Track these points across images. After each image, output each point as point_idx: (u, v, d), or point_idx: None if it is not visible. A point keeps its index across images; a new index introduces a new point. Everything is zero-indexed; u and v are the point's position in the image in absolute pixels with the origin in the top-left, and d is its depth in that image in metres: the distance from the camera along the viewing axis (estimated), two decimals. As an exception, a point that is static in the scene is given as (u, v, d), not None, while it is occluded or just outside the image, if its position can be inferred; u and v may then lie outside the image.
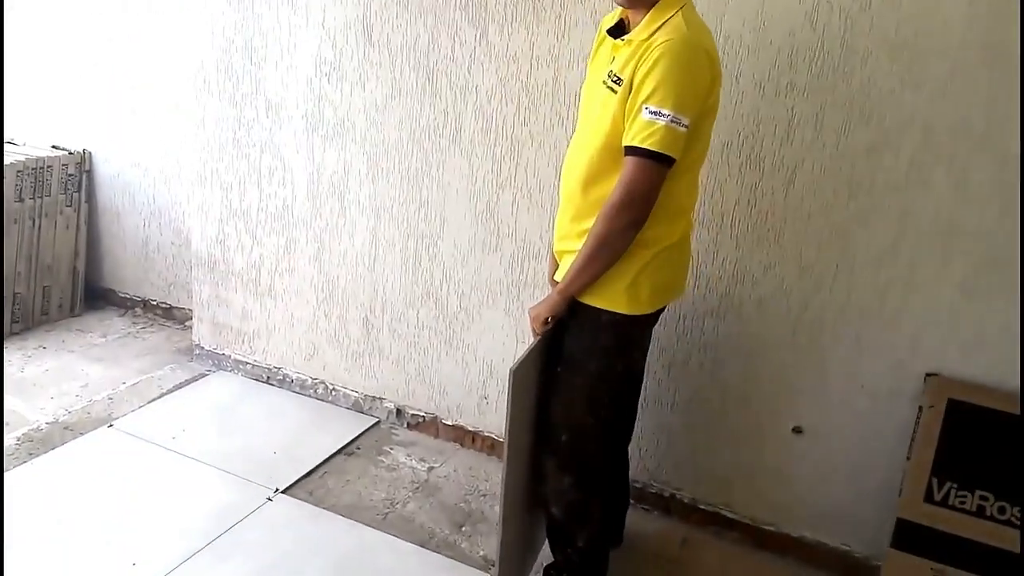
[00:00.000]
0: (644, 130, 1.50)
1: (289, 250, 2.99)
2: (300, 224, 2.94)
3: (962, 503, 2.01)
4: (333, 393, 3.05)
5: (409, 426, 2.93)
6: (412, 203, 2.71)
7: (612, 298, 1.71)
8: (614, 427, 1.93)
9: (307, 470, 2.59)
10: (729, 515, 2.45)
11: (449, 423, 2.85)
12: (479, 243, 2.62)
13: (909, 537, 2.03)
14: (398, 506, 2.48)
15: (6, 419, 2.77)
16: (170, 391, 3.06)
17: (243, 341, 3.20)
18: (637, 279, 1.69)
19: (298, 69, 2.78)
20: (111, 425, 2.77)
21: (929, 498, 2.03)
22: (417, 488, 2.58)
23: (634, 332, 1.80)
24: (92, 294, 3.83)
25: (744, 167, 2.19)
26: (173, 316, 3.73)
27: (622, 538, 2.29)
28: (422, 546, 2.30)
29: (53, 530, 2.22)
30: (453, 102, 2.54)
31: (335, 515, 2.40)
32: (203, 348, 3.30)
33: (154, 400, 2.98)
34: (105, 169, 3.70)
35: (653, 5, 1.61)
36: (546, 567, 2.04)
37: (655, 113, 1.49)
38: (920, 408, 2.09)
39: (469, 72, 2.49)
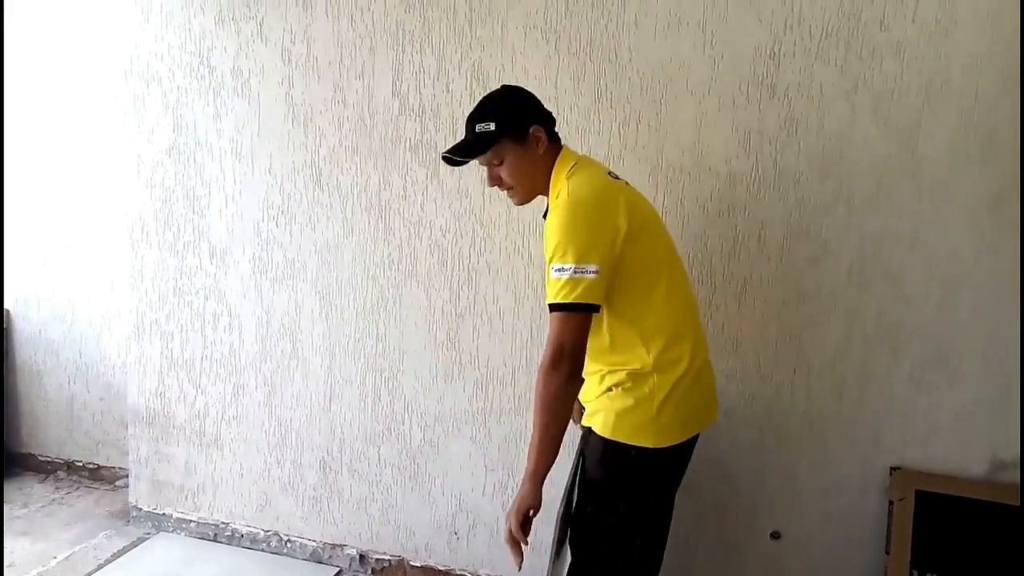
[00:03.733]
0: (553, 287, 1.61)
1: (237, 396, 2.89)
2: (248, 369, 2.86)
3: (945, 592, 2.06)
4: (288, 544, 2.88)
5: (374, 572, 2.78)
6: (369, 338, 2.69)
7: (639, 433, 1.68)
8: (644, 568, 1.80)
9: (272, 633, 2.41)
10: (717, 631, 2.42)
11: (417, 564, 2.73)
12: (441, 373, 2.62)
13: (901, 633, 2.06)
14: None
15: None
16: (108, 561, 2.81)
17: (186, 497, 3.01)
18: (661, 411, 1.68)
19: (244, 215, 2.78)
20: (45, 607, 2.51)
21: (914, 590, 2.08)
22: (393, 640, 2.44)
23: (665, 465, 1.73)
24: (7, 460, 3.55)
25: (697, 283, 2.31)
26: (101, 476, 3.48)
27: None
28: None
29: None
30: (407, 238, 2.59)
31: None
32: (141, 509, 3.07)
33: (92, 574, 2.73)
34: (25, 327, 3.52)
35: (543, 190, 1.78)
36: None
37: (559, 270, 1.59)
38: (891, 502, 2.17)
39: (422, 209, 2.56)
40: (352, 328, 2.70)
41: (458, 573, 2.68)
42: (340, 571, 2.79)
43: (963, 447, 2.14)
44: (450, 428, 2.63)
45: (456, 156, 1.77)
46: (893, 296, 2.16)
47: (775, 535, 2.34)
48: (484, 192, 2.48)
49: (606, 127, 2.33)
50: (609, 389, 1.72)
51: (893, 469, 2.19)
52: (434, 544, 2.70)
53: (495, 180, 1.79)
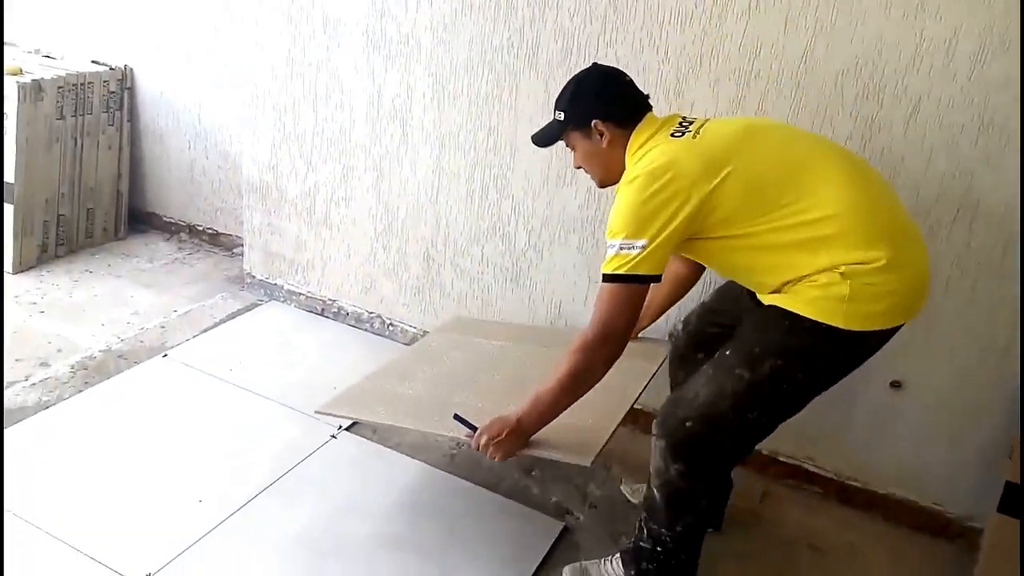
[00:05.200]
0: (603, 261, 1.58)
1: (346, 178, 2.84)
2: (358, 151, 2.78)
3: (1080, 469, 1.87)
4: (390, 328, 2.94)
5: (470, 364, 2.82)
6: (480, 130, 2.53)
7: (826, 310, 1.49)
8: (751, 434, 1.66)
9: (369, 407, 2.50)
10: (811, 469, 2.34)
11: (512, 363, 2.74)
12: (553, 175, 2.45)
13: (1018, 501, 1.91)
14: (464, 448, 2.39)
15: (57, 345, 2.70)
16: (223, 320, 2.97)
17: (296, 271, 3.08)
18: (856, 295, 1.47)
19: (359, -20, 2.57)
20: (166, 355, 2.68)
21: (1043, 462, 1.90)
22: (482, 430, 2.49)
23: (833, 346, 1.52)
24: (135, 218, 3.73)
25: (860, 98, 1.99)
26: (220, 242, 3.62)
27: (722, 523, 2.13)
28: (492, 490, 2.22)
29: (114, 463, 2.16)
30: (530, 19, 2.33)
31: (401, 455, 2.31)
32: (255, 277, 3.19)
33: (208, 330, 2.89)
34: (147, 87, 3.54)
35: (618, 177, 1.65)
36: (635, 540, 1.82)
37: (609, 246, 1.56)
38: (1040, 367, 1.94)
39: (550, -14, 2.27)
40: (464, 118, 2.54)
41: (552, 376, 2.68)
42: (437, 359, 2.85)
43: None
44: (556, 234, 2.51)
45: (537, 142, 1.84)
46: (1105, 134, 1.79)
47: (895, 384, 2.17)
48: (623, -29, 2.16)
49: None
50: (790, 282, 1.55)
51: (1052, 333, 1.94)
52: (530, 346, 2.69)
53: (575, 163, 1.81)
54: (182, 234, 3.69)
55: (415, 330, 2.89)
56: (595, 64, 1.81)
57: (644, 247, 1.51)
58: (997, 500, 1.93)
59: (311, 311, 3.09)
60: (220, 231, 3.61)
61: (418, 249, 2.78)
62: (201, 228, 3.65)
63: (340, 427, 2.38)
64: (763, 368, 1.54)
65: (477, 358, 2.32)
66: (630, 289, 1.54)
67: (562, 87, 1.76)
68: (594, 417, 1.74)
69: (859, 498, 2.30)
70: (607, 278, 1.56)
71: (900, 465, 2.23)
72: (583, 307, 2.53)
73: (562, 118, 1.74)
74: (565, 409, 1.65)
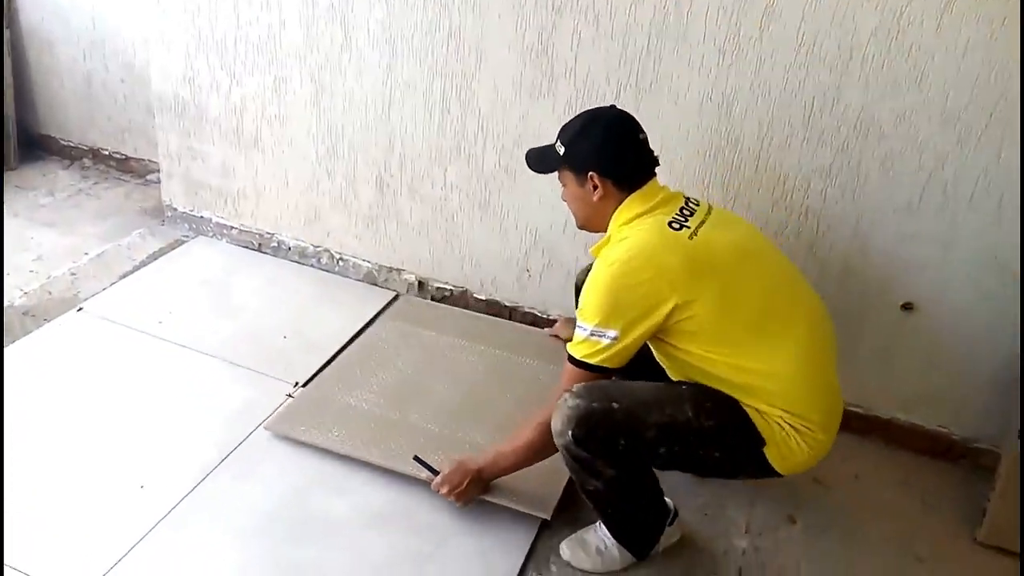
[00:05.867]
0: (574, 341, 1.56)
1: (278, 92, 2.45)
2: (291, 59, 2.38)
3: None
4: (341, 263, 2.63)
5: (434, 300, 2.55)
6: (439, 32, 2.17)
7: (760, 420, 1.52)
8: (645, 455, 1.58)
9: (327, 358, 2.21)
10: (811, 398, 2.20)
11: (482, 298, 2.48)
12: (526, 85, 2.14)
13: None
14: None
15: (-53, 301, 2.30)
16: (144, 263, 2.59)
17: (226, 202, 2.70)
18: (785, 436, 1.51)
19: None
20: (80, 308, 2.31)
21: (1068, 388, 1.79)
22: (456, 375, 2.25)
23: (752, 451, 1.53)
24: (27, 143, 3.23)
25: (890, -13, 1.73)
26: (130, 168, 3.17)
27: None
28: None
29: (32, 448, 1.83)
30: None
31: (370, 412, 2.06)
32: (176, 209, 2.79)
33: (127, 275, 2.51)
34: (25, -17, 2.99)
35: (599, 229, 1.65)
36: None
37: (580, 328, 1.54)
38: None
39: None
40: (420, 16, 2.17)
41: (527, 310, 2.44)
42: (397, 295, 2.56)
43: None
44: (532, 151, 2.21)
45: (528, 162, 1.76)
46: None
47: (907, 306, 2.02)
48: None
49: None
50: None
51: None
52: (502, 279, 2.43)
53: (562, 196, 1.74)
54: (84, 160, 3.22)
55: (369, 265, 2.58)
56: (612, 106, 1.67)
57: (615, 339, 1.50)
58: (1008, 422, 1.84)
59: (246, 247, 2.73)
60: (129, 155, 3.16)
61: (369, 174, 2.44)
62: (107, 152, 3.18)
63: (296, 384, 2.10)
64: (704, 422, 1.53)
65: (428, 360, 2.23)
66: (594, 378, 1.55)
67: (574, 117, 1.66)
68: (554, 458, 1.65)
69: (857, 423, 2.17)
70: (574, 361, 1.55)
71: (908, 390, 2.11)
72: (562, 235, 2.28)
73: (561, 152, 1.64)
74: (523, 469, 1.69)
